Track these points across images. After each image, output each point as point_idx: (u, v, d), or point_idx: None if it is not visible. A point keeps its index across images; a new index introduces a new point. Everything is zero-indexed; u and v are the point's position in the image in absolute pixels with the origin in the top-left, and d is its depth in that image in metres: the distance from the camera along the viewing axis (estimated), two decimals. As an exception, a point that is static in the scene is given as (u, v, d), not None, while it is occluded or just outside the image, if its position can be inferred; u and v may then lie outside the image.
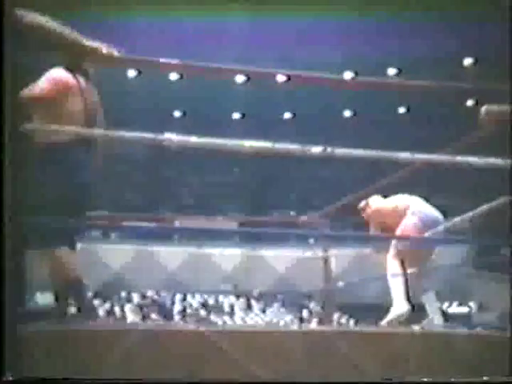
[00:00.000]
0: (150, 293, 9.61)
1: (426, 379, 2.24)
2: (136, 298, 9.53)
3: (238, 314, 8.05)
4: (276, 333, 2.25)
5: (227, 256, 10.06)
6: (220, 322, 6.80)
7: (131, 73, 11.49)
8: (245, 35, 10.37)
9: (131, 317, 8.76)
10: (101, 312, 9.08)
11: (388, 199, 3.45)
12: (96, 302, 9.44)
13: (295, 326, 4.32)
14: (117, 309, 9.17)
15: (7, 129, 1.93)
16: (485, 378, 2.15)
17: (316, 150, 2.30)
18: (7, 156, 1.92)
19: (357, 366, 2.16)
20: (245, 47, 10.22)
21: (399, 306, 3.16)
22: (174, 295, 9.39)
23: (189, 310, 8.68)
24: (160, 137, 2.47)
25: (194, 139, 2.62)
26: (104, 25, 8.86)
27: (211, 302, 8.77)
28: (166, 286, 9.74)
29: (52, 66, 2.64)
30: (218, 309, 8.11)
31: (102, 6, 9.03)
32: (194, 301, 9.14)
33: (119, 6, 9.27)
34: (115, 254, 10.49)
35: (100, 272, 10.06)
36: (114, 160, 12.03)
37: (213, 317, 7.32)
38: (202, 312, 8.22)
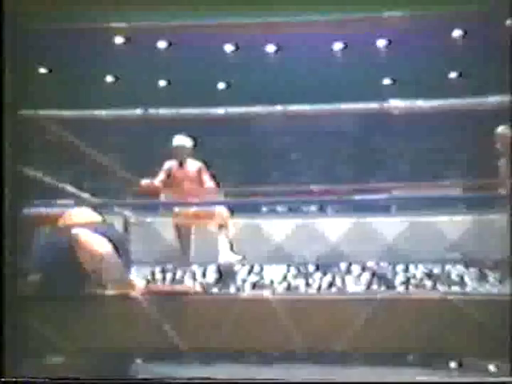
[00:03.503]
0: (369, 264, 9.57)
1: (426, 379, 2.01)
2: (356, 269, 9.56)
3: (470, 283, 7.63)
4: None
5: (453, 223, 9.52)
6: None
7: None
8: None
9: (352, 288, 8.81)
10: (324, 284, 9.31)
11: None
12: (317, 274, 9.73)
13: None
14: (338, 280, 9.31)
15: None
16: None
17: None
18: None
19: None
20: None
21: None
22: (395, 266, 9.22)
23: (413, 281, 8.45)
24: (385, 104, 2.33)
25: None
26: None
27: (436, 271, 8.40)
28: (385, 257, 9.60)
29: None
30: (445, 279, 7.71)
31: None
32: (418, 271, 8.87)
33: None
34: (332, 227, 10.66)
35: (319, 245, 10.32)
36: (325, 134, 12.13)
37: (440, 287, 6.96)
38: (428, 282, 7.93)
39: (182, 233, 5.52)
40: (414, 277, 8.77)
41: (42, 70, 11.71)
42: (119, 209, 5.57)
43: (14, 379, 1.89)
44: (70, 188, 4.02)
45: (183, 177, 5.49)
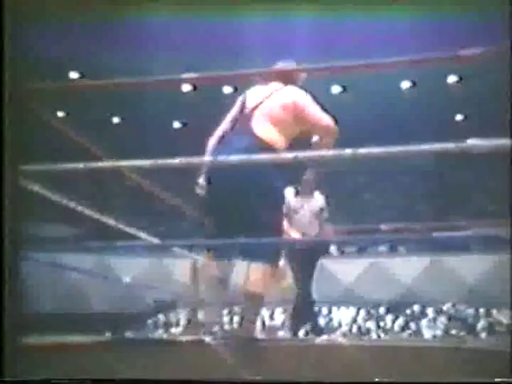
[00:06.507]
0: (446, 307, 9.15)
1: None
2: (431, 312, 9.17)
3: None
4: None
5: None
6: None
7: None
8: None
9: (428, 333, 8.43)
10: (396, 328, 8.98)
11: None
12: (389, 317, 9.39)
13: None
14: (412, 324, 8.96)
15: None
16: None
17: None
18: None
19: None
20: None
21: None
22: (476, 310, 8.74)
23: (497, 327, 7.95)
24: (462, 144, 2.23)
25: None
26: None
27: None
28: (464, 300, 9.17)
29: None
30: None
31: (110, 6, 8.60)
32: (502, 316, 8.36)
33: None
34: (405, 267, 10.34)
35: (390, 286, 10.00)
36: (398, 172, 11.90)
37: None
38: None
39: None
40: (500, 323, 8.25)
41: (116, 120, 12.27)
42: (189, 252, 5.60)
43: (14, 379, 1.86)
44: (142, 233, 4.10)
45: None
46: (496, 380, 1.93)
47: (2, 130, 1.81)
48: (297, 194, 5.19)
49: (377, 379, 2.27)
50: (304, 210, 5.04)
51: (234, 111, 2.84)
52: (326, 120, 2.76)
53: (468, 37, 7.69)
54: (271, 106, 2.71)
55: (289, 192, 5.09)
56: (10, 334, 1.81)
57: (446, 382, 2.03)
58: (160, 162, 2.49)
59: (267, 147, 2.58)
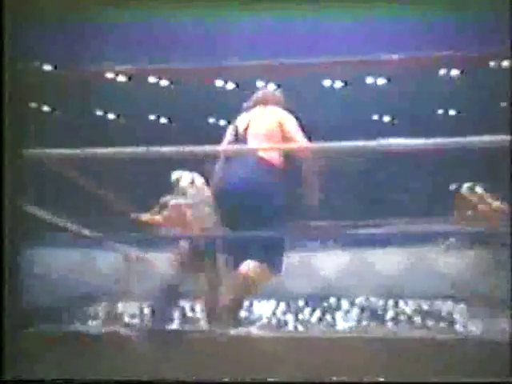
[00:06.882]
0: (358, 299, 9.51)
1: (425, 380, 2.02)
2: (345, 304, 9.49)
3: (459, 320, 7.54)
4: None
5: (450, 260, 9.49)
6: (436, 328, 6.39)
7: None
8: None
9: (342, 324, 8.76)
10: (313, 319, 9.26)
11: None
12: (307, 309, 9.68)
13: None
14: (328, 316, 9.23)
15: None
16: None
17: None
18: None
19: None
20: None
21: None
22: (386, 301, 9.16)
23: (402, 317, 8.41)
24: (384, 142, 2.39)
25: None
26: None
27: (426, 307, 8.35)
28: (377, 292, 9.54)
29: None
30: (434, 315, 7.66)
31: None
32: (408, 307, 8.82)
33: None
34: (328, 262, 10.62)
35: (312, 279, 10.27)
36: (329, 170, 12.17)
37: (429, 323, 6.93)
38: (416, 318, 7.92)
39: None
40: (404, 312, 8.69)
41: (46, 109, 11.93)
42: (120, 245, 5.60)
43: (14, 379, 1.87)
44: (70, 225, 4.12)
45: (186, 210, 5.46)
46: (496, 380, 2.01)
47: (2, 129, 1.82)
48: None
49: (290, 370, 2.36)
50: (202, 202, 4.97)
51: (227, 138, 3.07)
52: (306, 143, 3.03)
53: (467, 37, 7.94)
54: (261, 126, 2.95)
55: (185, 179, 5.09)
56: (10, 333, 1.80)
57: (445, 382, 2.10)
58: (88, 151, 2.54)
59: (268, 164, 2.79)
